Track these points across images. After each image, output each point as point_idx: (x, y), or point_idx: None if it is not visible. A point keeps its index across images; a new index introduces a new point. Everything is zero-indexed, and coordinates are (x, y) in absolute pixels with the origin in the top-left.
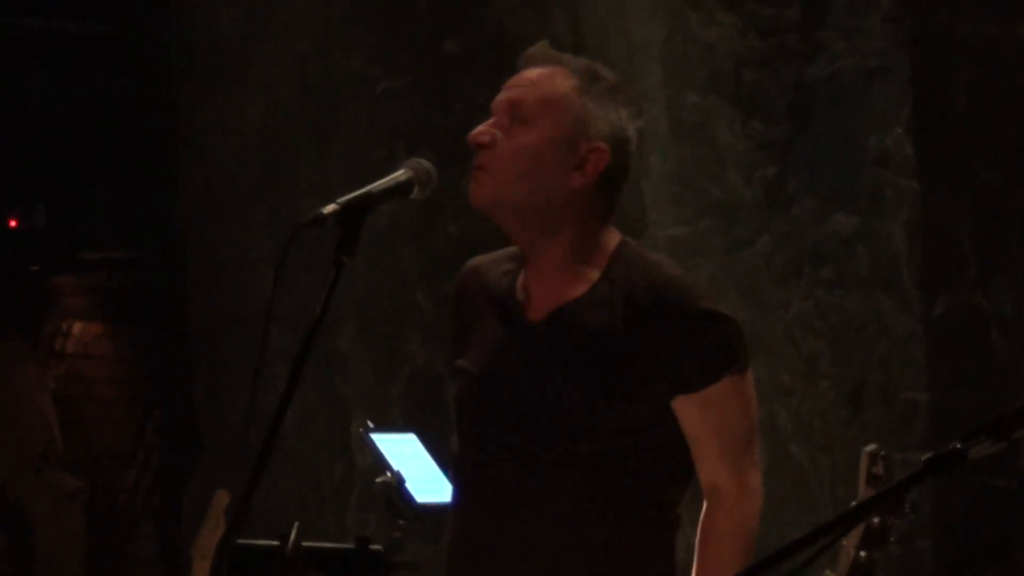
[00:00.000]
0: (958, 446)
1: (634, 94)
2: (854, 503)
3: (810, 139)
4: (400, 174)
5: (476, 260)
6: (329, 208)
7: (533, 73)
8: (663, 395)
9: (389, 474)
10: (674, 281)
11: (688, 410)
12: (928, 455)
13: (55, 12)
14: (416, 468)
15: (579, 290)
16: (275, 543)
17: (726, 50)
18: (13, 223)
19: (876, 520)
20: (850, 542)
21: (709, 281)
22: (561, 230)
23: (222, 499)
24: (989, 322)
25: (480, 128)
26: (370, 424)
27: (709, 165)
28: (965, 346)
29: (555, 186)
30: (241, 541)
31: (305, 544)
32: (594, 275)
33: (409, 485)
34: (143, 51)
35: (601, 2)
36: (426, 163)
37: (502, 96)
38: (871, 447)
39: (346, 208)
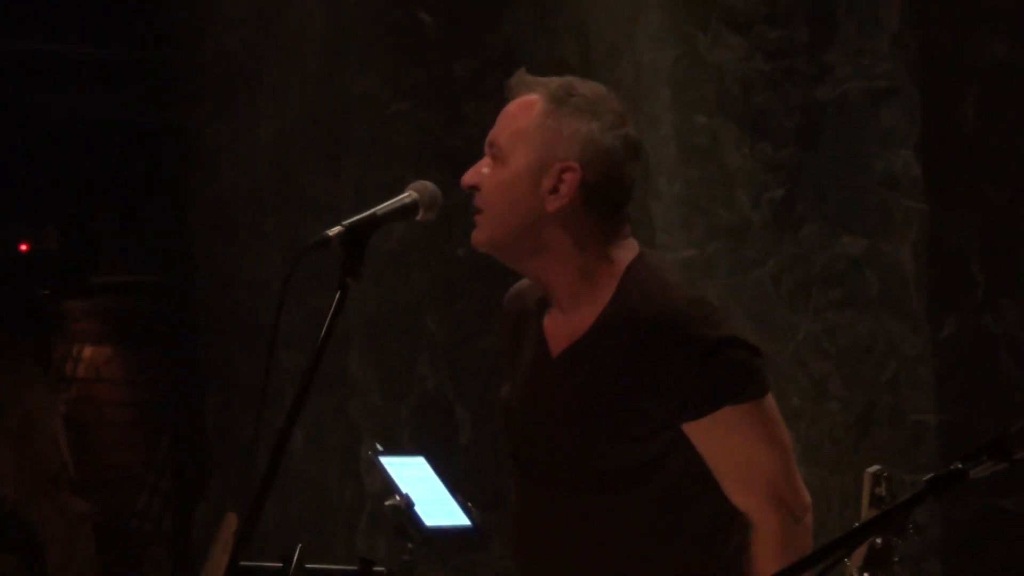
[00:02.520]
0: (959, 466)
1: (613, 104)
2: (857, 524)
3: (818, 161)
4: (405, 196)
5: (517, 285)
6: (334, 230)
7: (511, 107)
8: (671, 422)
9: (398, 497)
10: (678, 307)
11: (696, 437)
12: (929, 475)
13: (66, 36)
14: (425, 491)
15: (589, 319)
16: (278, 565)
17: (734, 72)
18: (24, 247)
19: (879, 541)
20: (853, 563)
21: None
22: (560, 255)
23: (231, 522)
24: (997, 343)
25: (468, 172)
26: (379, 447)
27: (717, 187)
28: (974, 367)
29: (536, 214)
30: (244, 563)
31: (308, 566)
32: (604, 298)
33: (418, 508)
34: (154, 74)
35: (610, 25)
36: (431, 185)
37: (489, 135)
38: (874, 468)
39: (351, 230)
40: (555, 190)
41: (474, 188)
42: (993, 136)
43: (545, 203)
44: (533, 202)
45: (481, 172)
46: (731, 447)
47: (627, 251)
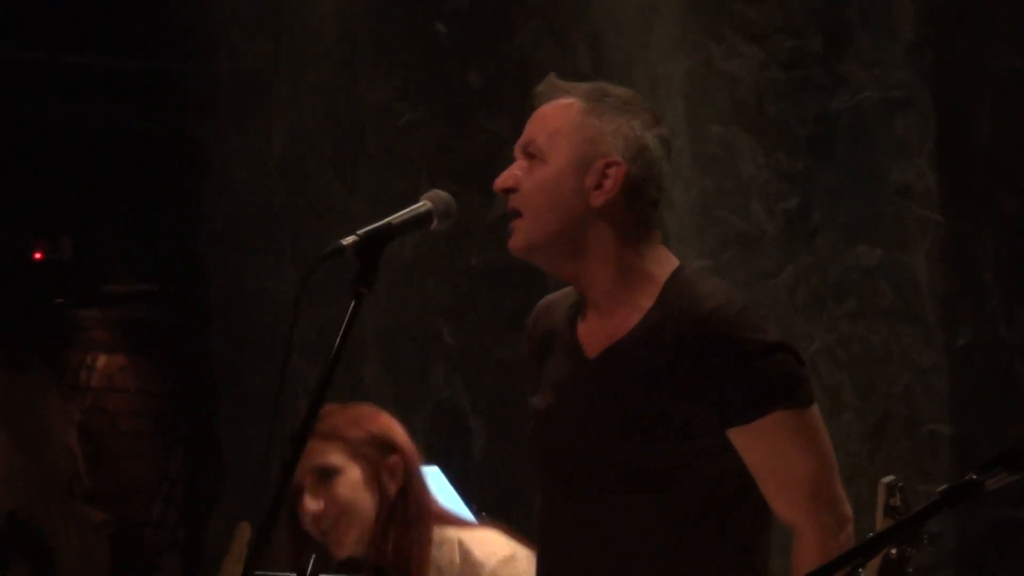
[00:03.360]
0: (974, 477)
1: (647, 105)
2: (871, 534)
3: (833, 171)
4: (420, 206)
5: (547, 298)
6: (348, 240)
7: (545, 109)
8: (715, 428)
9: None
10: (724, 311)
11: (741, 444)
12: (944, 486)
13: (82, 47)
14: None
15: (631, 321)
16: (292, 575)
17: (749, 82)
18: (38, 256)
19: (893, 551)
20: (868, 573)
21: None
22: (599, 254)
23: (245, 531)
24: (1012, 353)
25: (501, 176)
26: None
27: (732, 197)
28: (988, 378)
29: (579, 210)
30: (258, 573)
31: None
32: (646, 304)
33: None
34: (167, 84)
35: (624, 34)
36: (445, 195)
37: (521, 139)
38: (888, 478)
39: (365, 239)
40: (599, 186)
41: (510, 191)
42: (1008, 146)
43: (590, 199)
44: (577, 198)
45: (517, 174)
46: (776, 454)
47: (667, 258)
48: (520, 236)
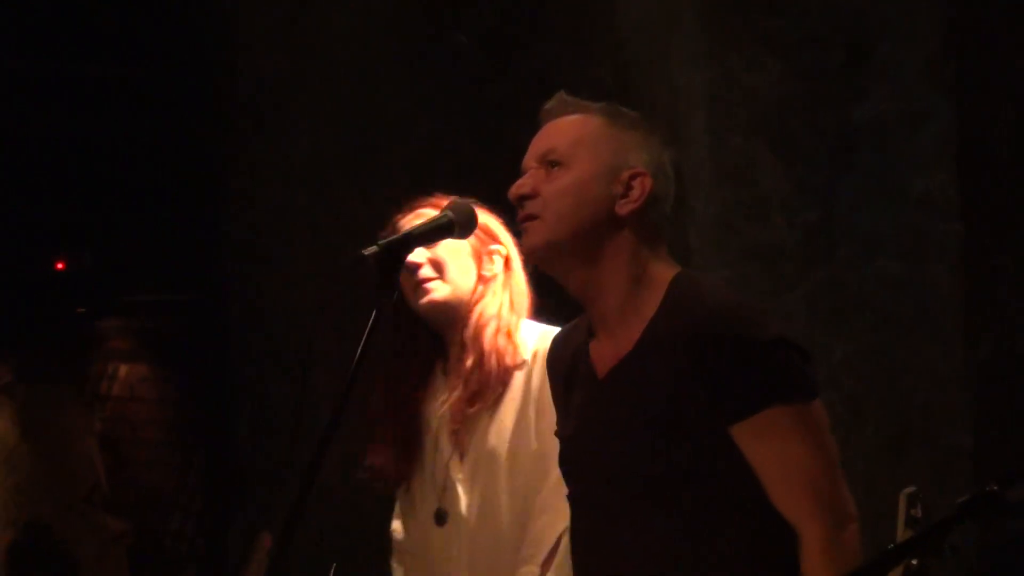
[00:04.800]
0: (995, 488)
1: (657, 125)
2: (892, 545)
3: (854, 183)
4: (441, 216)
5: (560, 331)
6: (370, 249)
7: (561, 122)
8: (720, 425)
9: None
10: (729, 308)
11: (742, 440)
12: (964, 497)
13: (102, 57)
14: None
15: (635, 334)
16: None
17: (769, 94)
18: (60, 265)
19: (915, 562)
20: None
21: None
22: (614, 262)
23: (265, 542)
24: None
25: (518, 183)
26: None
27: (752, 209)
28: (1010, 389)
29: (604, 217)
30: None
31: None
32: (649, 312)
33: None
34: (189, 95)
35: (644, 46)
36: (468, 205)
37: (531, 152)
38: (910, 489)
39: (386, 249)
40: (625, 195)
41: (527, 197)
42: None
43: (616, 206)
44: (602, 205)
45: (534, 181)
46: (778, 450)
47: (670, 266)
48: (539, 235)
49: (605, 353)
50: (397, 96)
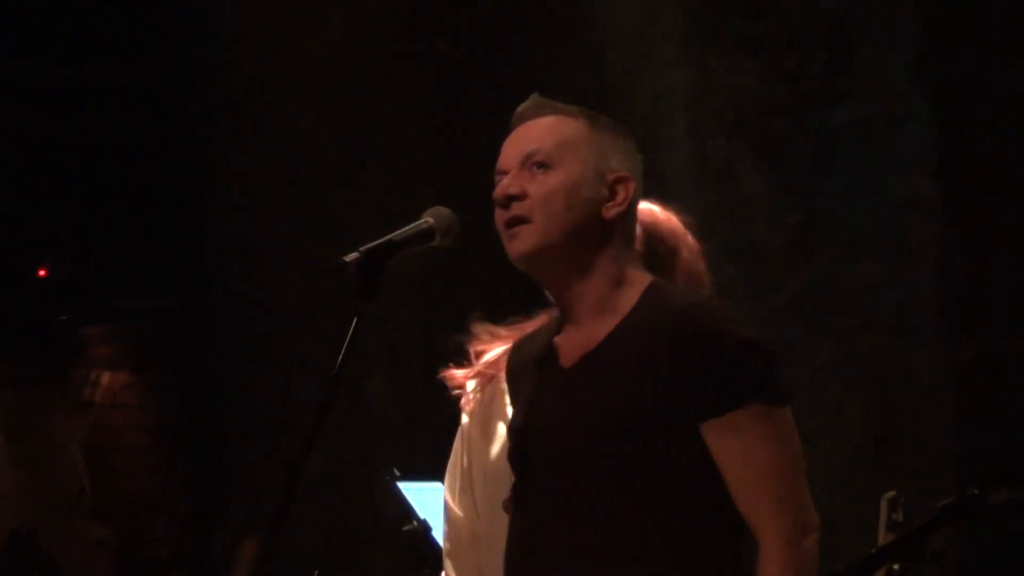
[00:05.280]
0: (976, 492)
1: (631, 129)
2: (874, 550)
3: (835, 185)
4: (422, 222)
5: (520, 340)
6: (351, 256)
7: (543, 122)
8: (690, 422)
9: (415, 523)
10: (700, 307)
11: (712, 438)
12: (945, 501)
13: (87, 60)
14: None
15: (608, 327)
16: None
17: (751, 97)
18: (42, 272)
19: (897, 567)
20: None
21: None
22: (598, 265)
23: (250, 548)
24: (1016, 367)
25: (504, 183)
26: (396, 472)
27: (735, 212)
28: (993, 392)
29: (593, 220)
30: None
31: None
32: (625, 309)
33: (436, 534)
34: (173, 100)
35: (626, 50)
36: (447, 211)
37: (510, 153)
38: (891, 494)
39: (368, 255)
40: (611, 198)
41: (515, 198)
42: (1010, 160)
43: (602, 209)
44: (592, 207)
45: (523, 182)
46: (746, 450)
47: (645, 273)
48: (530, 240)
49: (574, 344)
50: (381, 101)
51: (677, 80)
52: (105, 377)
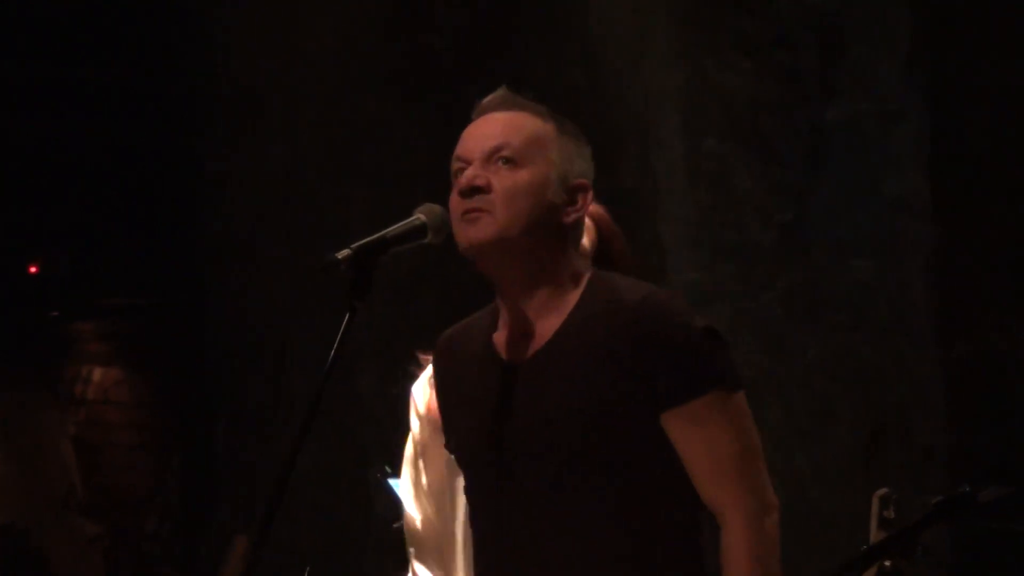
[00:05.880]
0: (967, 489)
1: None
2: (866, 546)
3: (827, 184)
4: (414, 219)
5: (448, 331)
6: (343, 253)
7: (513, 117)
8: (651, 413)
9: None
10: (652, 299)
11: (674, 426)
12: (937, 498)
13: (78, 62)
14: None
15: (555, 324)
16: None
17: (743, 96)
18: (33, 269)
19: (888, 563)
20: None
21: (727, 325)
22: (550, 265)
23: (241, 544)
24: (1007, 365)
25: (469, 174)
26: (388, 469)
27: (727, 210)
28: (984, 389)
29: (553, 222)
30: None
31: None
32: (570, 304)
33: None
34: (165, 99)
35: (618, 49)
36: (439, 208)
37: (475, 143)
38: (882, 491)
39: (359, 253)
40: (572, 203)
41: (479, 190)
42: (1002, 158)
43: (562, 213)
44: (553, 209)
45: (489, 175)
46: (707, 436)
47: (586, 265)
48: (488, 229)
49: (520, 341)
50: (371, 100)
51: (670, 78)
52: (97, 374)
